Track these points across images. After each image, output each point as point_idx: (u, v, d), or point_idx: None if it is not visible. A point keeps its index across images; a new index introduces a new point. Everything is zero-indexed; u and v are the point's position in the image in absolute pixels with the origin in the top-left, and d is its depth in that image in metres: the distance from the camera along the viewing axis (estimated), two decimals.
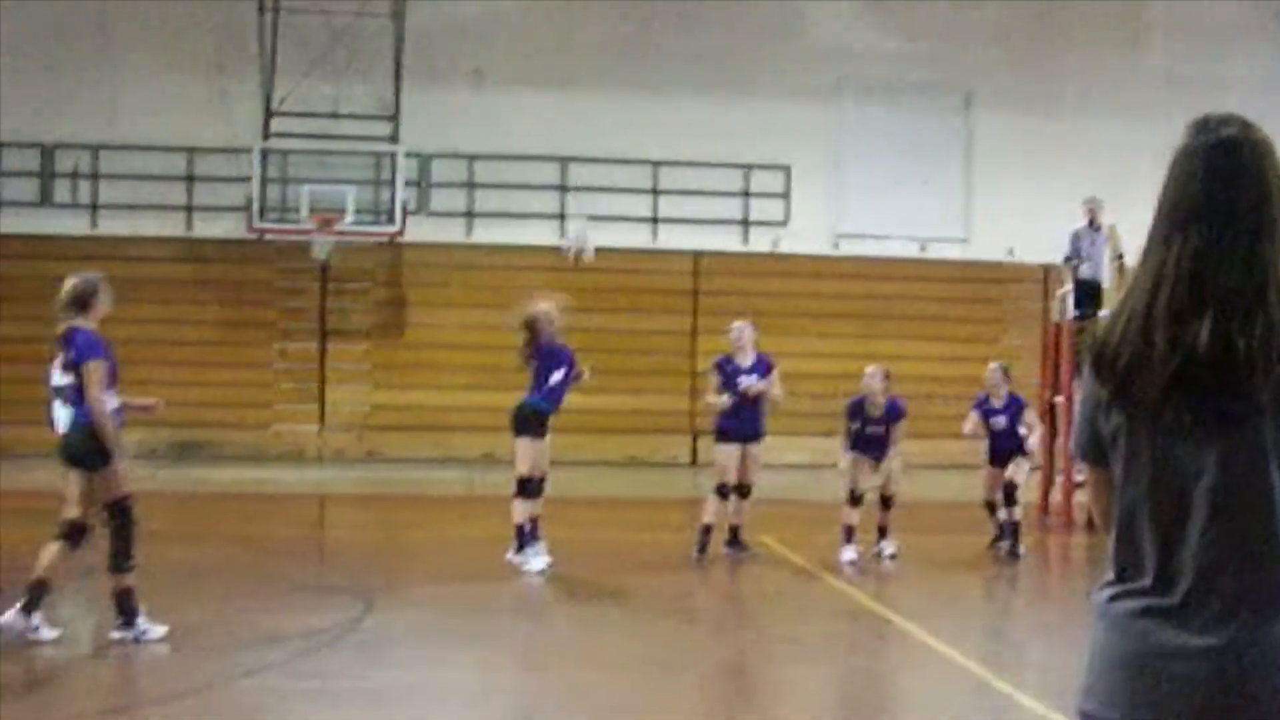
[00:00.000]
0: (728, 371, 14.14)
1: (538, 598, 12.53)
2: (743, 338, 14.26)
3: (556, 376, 13.26)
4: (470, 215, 25.86)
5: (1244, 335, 2.85)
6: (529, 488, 13.13)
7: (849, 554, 13.89)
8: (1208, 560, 2.86)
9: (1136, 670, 2.89)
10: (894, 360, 25.25)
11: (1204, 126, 3.02)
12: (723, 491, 14.05)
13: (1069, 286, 19.32)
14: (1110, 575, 2.98)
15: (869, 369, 14.76)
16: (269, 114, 24.77)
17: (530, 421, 13.20)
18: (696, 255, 26.01)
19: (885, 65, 26.14)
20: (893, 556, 14.27)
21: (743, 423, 14.05)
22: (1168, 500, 2.89)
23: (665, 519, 17.58)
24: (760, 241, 26.33)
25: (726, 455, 14.12)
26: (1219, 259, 2.92)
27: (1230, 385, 2.86)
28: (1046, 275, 23.28)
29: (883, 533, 14.41)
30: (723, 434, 14.22)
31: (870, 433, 14.25)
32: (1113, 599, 2.96)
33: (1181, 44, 26.71)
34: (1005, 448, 15.11)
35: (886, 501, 14.42)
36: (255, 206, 24.39)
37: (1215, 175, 2.97)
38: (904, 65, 26.19)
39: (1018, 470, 14.91)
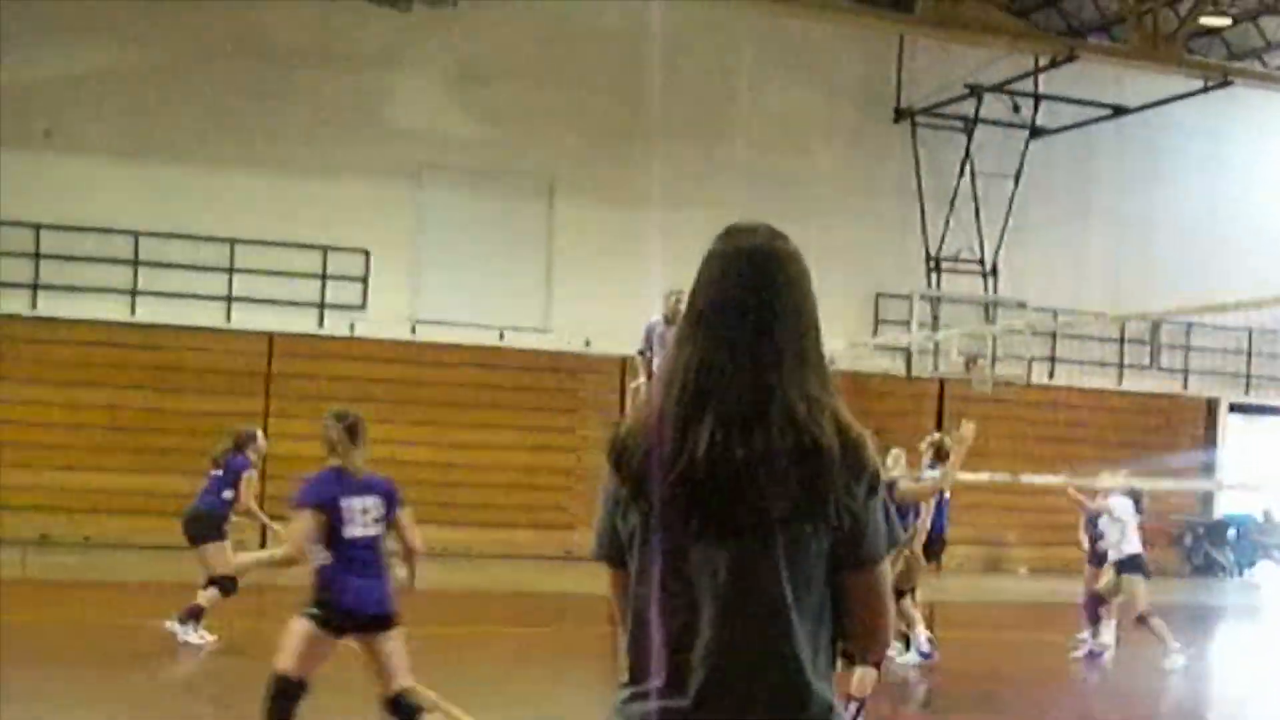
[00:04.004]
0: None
1: None
2: None
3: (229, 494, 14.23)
4: (36, 287, 24.58)
5: (743, 446, 2.86)
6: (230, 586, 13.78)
7: None
8: (717, 662, 2.86)
9: None
10: (471, 449, 25.52)
11: (730, 234, 3.09)
12: None
13: (642, 379, 19.49)
14: (625, 677, 2.97)
15: None
16: None
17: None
18: (271, 337, 25.37)
19: (468, 150, 26.10)
20: None
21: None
22: (678, 602, 2.89)
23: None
24: (337, 325, 25.88)
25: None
26: (724, 364, 2.92)
27: (734, 492, 2.86)
28: (624, 367, 23.48)
29: None
30: None
31: None
32: (627, 700, 2.95)
33: (762, 138, 27.56)
34: None
35: None
36: None
37: (729, 281, 3.01)
38: (487, 151, 26.21)
39: None
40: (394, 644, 8.28)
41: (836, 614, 2.97)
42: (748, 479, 2.86)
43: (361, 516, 8.10)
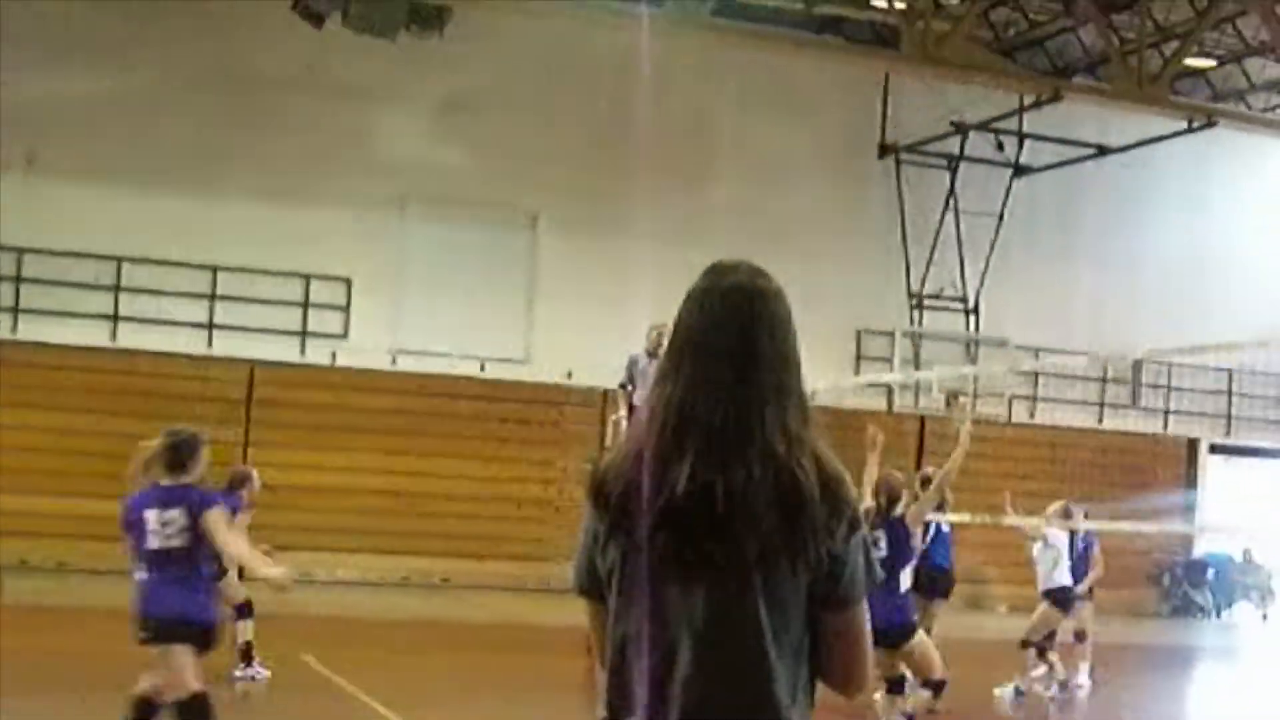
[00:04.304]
0: None
1: None
2: None
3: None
4: (17, 311, 24.52)
5: (723, 483, 2.85)
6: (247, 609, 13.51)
7: None
8: (695, 699, 2.85)
9: None
10: (450, 480, 25.46)
11: (712, 271, 3.09)
12: None
13: (623, 412, 19.46)
14: (603, 711, 2.96)
15: None
16: None
17: None
18: (252, 364, 25.30)
19: (451, 181, 26.07)
20: None
21: None
22: (657, 637, 2.87)
23: None
24: (318, 354, 25.83)
25: None
26: (705, 401, 2.92)
27: (713, 529, 2.85)
28: (605, 399, 23.46)
29: None
30: None
31: None
32: None
33: (746, 174, 27.62)
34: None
35: None
36: None
37: (711, 318, 3.01)
38: (471, 182, 26.19)
39: None
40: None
41: (815, 652, 2.96)
42: (727, 516, 2.85)
43: (161, 529, 7.96)
